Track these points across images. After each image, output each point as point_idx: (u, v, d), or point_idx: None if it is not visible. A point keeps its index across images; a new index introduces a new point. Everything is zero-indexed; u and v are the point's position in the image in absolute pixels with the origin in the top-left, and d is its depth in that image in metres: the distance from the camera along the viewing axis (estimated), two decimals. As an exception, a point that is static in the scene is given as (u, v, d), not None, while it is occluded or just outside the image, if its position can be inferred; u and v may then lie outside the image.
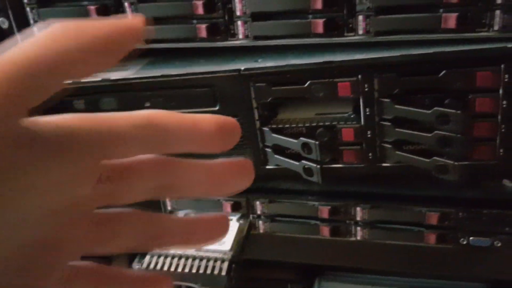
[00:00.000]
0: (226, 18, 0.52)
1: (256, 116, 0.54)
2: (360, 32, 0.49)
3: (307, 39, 0.50)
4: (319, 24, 0.49)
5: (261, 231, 0.63)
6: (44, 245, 0.22)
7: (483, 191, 0.55)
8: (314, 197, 0.60)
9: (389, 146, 0.51)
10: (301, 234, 0.62)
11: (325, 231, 0.60)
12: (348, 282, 0.69)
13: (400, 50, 0.48)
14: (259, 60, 0.54)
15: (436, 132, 0.48)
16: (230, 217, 0.63)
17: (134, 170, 0.23)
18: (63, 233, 0.23)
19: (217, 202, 0.63)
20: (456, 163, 0.48)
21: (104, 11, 0.54)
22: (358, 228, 0.60)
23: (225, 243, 0.59)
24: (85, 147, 0.21)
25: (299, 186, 0.60)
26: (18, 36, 0.22)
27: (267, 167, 0.57)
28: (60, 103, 0.58)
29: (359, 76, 0.49)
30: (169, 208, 0.65)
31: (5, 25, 0.59)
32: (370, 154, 0.53)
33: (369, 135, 0.52)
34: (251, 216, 0.63)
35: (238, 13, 0.51)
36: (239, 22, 0.52)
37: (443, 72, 0.47)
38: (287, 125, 0.54)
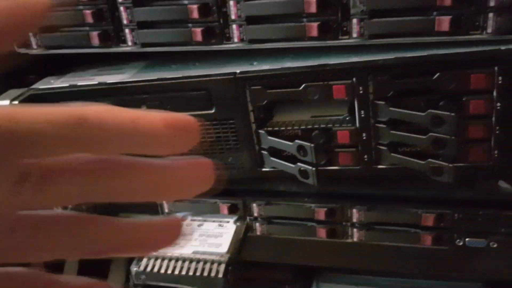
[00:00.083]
0: (221, 21, 0.52)
1: (252, 119, 0.55)
2: (354, 35, 0.49)
3: (302, 42, 0.51)
4: (313, 28, 0.49)
5: (258, 233, 0.63)
6: None
7: (478, 192, 0.56)
8: (310, 199, 0.60)
9: (384, 148, 0.52)
10: (298, 236, 0.62)
11: (322, 232, 0.60)
12: (346, 283, 0.70)
13: (394, 52, 0.49)
14: (254, 64, 0.54)
15: (430, 134, 0.48)
16: (227, 219, 0.63)
17: (64, 170, 0.21)
18: None
19: (214, 204, 0.63)
20: (450, 165, 0.49)
21: (99, 16, 0.55)
22: (355, 230, 0.60)
23: (222, 246, 0.59)
24: None
25: (295, 188, 0.60)
26: None
27: (264, 169, 0.57)
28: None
29: (354, 79, 0.49)
30: (166, 210, 0.66)
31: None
32: (365, 156, 0.53)
33: (364, 137, 0.52)
34: (248, 218, 0.63)
35: (233, 17, 0.52)
36: (234, 26, 0.52)
37: (437, 74, 0.47)
38: (282, 128, 0.54)
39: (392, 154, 0.51)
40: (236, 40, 0.53)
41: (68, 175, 0.21)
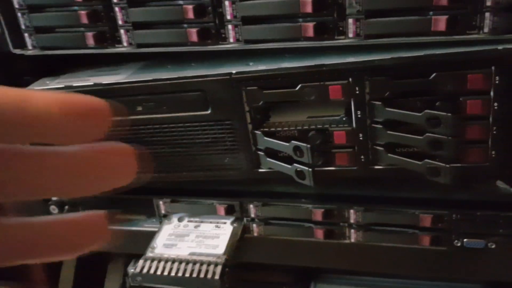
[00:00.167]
0: (217, 22, 0.52)
1: (248, 120, 0.54)
2: (351, 35, 0.49)
3: (298, 43, 0.50)
4: (309, 28, 0.49)
5: (255, 234, 0.63)
6: None
7: (476, 193, 0.55)
8: (307, 199, 0.60)
9: (381, 148, 0.51)
10: (295, 237, 0.62)
11: (319, 233, 0.60)
12: (344, 284, 0.69)
13: (391, 53, 0.48)
14: (250, 64, 0.54)
15: (427, 134, 0.48)
16: (224, 220, 0.63)
17: None
18: None
19: (211, 206, 0.63)
20: (447, 165, 0.48)
21: (94, 16, 0.54)
22: (352, 231, 0.59)
23: (219, 247, 0.59)
24: None
25: (292, 189, 0.60)
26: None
27: (260, 170, 0.57)
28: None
29: (350, 79, 0.49)
30: (162, 211, 0.65)
31: (-3, 31, 0.59)
32: (362, 157, 0.53)
33: (361, 138, 0.52)
34: (245, 219, 0.63)
35: (228, 17, 0.51)
36: (230, 26, 0.52)
37: (434, 74, 0.47)
38: (279, 128, 0.54)
39: (389, 154, 0.51)
40: (232, 40, 0.52)
41: None
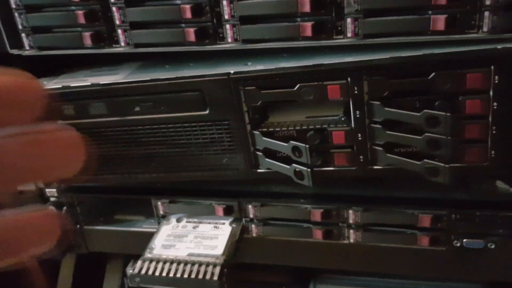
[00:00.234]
0: (215, 21, 0.52)
1: (247, 120, 0.54)
2: (349, 34, 0.49)
3: (296, 42, 0.50)
4: (307, 27, 0.48)
5: (254, 234, 0.63)
6: None
7: (475, 193, 0.55)
8: (306, 200, 0.60)
9: (379, 148, 0.51)
10: (294, 237, 0.61)
11: (318, 234, 0.60)
12: (343, 284, 0.69)
13: (389, 52, 0.48)
14: (248, 64, 0.54)
15: (426, 134, 0.48)
16: (223, 221, 0.63)
17: None
18: None
19: (209, 206, 0.62)
20: (446, 165, 0.48)
21: (91, 16, 0.54)
22: (351, 231, 0.59)
23: (218, 247, 0.59)
24: None
25: (291, 189, 0.60)
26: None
27: (259, 170, 0.57)
28: (49, 108, 0.58)
29: (349, 79, 0.49)
30: (161, 212, 0.65)
31: (-6, 30, 0.58)
32: (361, 157, 0.52)
33: (359, 138, 0.51)
34: (243, 219, 0.62)
35: (226, 17, 0.51)
36: (228, 26, 0.51)
37: (433, 74, 0.46)
38: (277, 129, 0.54)
39: (388, 154, 0.51)
40: (229, 40, 0.52)
41: None
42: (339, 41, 0.49)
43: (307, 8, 0.47)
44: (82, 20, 0.54)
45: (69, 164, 0.19)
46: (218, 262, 0.56)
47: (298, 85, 0.50)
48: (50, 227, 0.19)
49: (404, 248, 0.58)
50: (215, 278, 0.55)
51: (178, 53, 0.55)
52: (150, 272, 0.56)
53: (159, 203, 0.65)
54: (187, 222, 0.64)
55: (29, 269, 0.81)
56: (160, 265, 0.57)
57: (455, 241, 0.56)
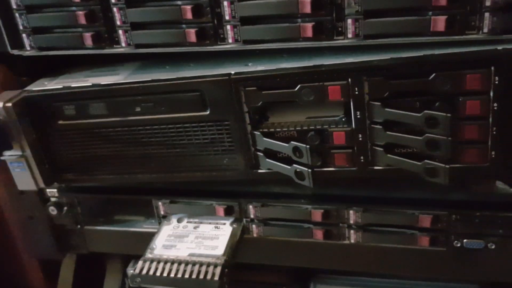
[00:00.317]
0: (215, 22, 0.52)
1: (247, 120, 0.54)
2: (349, 35, 0.49)
3: (297, 43, 0.50)
4: (308, 28, 0.49)
5: (255, 235, 0.63)
6: None
7: (476, 194, 0.55)
8: (306, 200, 0.60)
9: (380, 149, 0.51)
10: (294, 237, 0.61)
11: (318, 234, 0.60)
12: (343, 285, 0.69)
13: (390, 53, 0.48)
14: (249, 64, 0.54)
15: (426, 135, 0.48)
16: (224, 221, 0.63)
17: None
18: None
19: (210, 206, 0.63)
20: (446, 166, 0.48)
21: (92, 17, 0.54)
22: (351, 231, 0.59)
23: (218, 248, 0.59)
24: None
25: (291, 189, 0.60)
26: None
27: (259, 171, 0.57)
28: (50, 109, 0.59)
29: (349, 80, 0.49)
30: (162, 213, 0.65)
31: (-5, 31, 0.58)
32: (361, 157, 0.52)
33: (360, 138, 0.51)
34: (244, 220, 0.62)
35: (227, 17, 0.51)
36: (228, 26, 0.52)
37: (433, 75, 0.46)
38: (278, 129, 0.54)
39: (388, 155, 0.51)
40: (230, 41, 0.52)
41: None
42: (340, 42, 0.49)
43: (307, 9, 0.48)
44: (82, 20, 0.54)
45: None
46: (219, 262, 0.56)
47: (298, 86, 0.50)
48: None
49: (404, 249, 0.58)
50: (216, 278, 0.55)
51: (179, 54, 0.55)
52: (151, 272, 0.56)
53: (159, 203, 0.65)
54: (187, 222, 0.64)
55: (29, 269, 0.82)
56: (161, 265, 0.57)
57: (455, 241, 0.56)
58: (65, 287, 0.80)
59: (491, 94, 0.46)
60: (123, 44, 0.55)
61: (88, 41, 0.55)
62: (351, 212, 0.58)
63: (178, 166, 0.59)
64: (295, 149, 0.53)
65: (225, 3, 0.50)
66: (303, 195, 0.60)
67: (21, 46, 0.59)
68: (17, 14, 0.57)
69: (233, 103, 0.53)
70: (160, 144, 0.58)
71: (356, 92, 0.49)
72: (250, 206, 0.61)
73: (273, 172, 0.56)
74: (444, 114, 0.46)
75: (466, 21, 0.45)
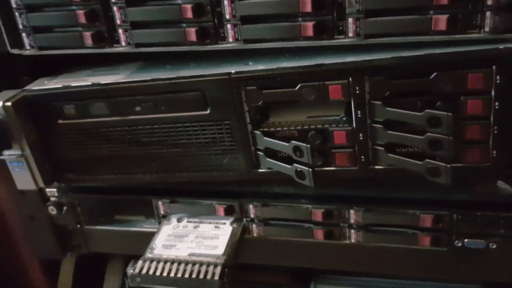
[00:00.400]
0: (216, 21, 0.51)
1: (248, 120, 0.54)
2: (350, 34, 0.48)
3: (297, 42, 0.50)
4: (309, 27, 0.48)
5: (255, 234, 0.63)
6: None
7: (477, 193, 0.55)
8: (307, 200, 0.59)
9: (381, 148, 0.51)
10: (295, 237, 0.61)
11: (319, 234, 0.60)
12: (344, 285, 0.69)
13: (391, 52, 0.48)
14: (249, 64, 0.54)
15: (427, 134, 0.47)
16: (224, 221, 0.62)
17: None
18: None
19: (210, 206, 0.62)
20: (448, 165, 0.48)
21: (92, 16, 0.54)
22: (352, 231, 0.59)
23: (218, 247, 0.59)
24: None
25: (292, 189, 0.60)
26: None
27: (260, 170, 0.57)
28: (50, 108, 0.59)
29: (350, 79, 0.49)
30: (162, 212, 0.65)
31: (-5, 30, 0.58)
32: (362, 157, 0.52)
33: (361, 138, 0.51)
34: (244, 219, 0.62)
35: (227, 17, 0.51)
36: (229, 26, 0.51)
37: (434, 74, 0.46)
38: (278, 128, 0.54)
39: (389, 154, 0.51)
40: (231, 40, 0.52)
41: None
42: (341, 41, 0.49)
43: (308, 8, 0.47)
44: (82, 19, 0.54)
45: None
46: (219, 262, 0.56)
47: (299, 85, 0.50)
48: None
49: (405, 248, 0.58)
50: (216, 278, 0.54)
51: (179, 53, 0.55)
52: (151, 272, 0.56)
53: (159, 203, 0.65)
54: (187, 222, 0.64)
55: (29, 269, 0.81)
56: (161, 265, 0.57)
57: (456, 241, 0.56)
58: (65, 287, 0.80)
59: (493, 93, 0.46)
60: (123, 44, 0.55)
61: (88, 41, 0.55)
62: (351, 212, 0.58)
63: (178, 166, 0.59)
64: (296, 149, 0.52)
65: (226, 2, 0.50)
66: (303, 195, 0.60)
67: (21, 46, 0.59)
68: (17, 13, 0.57)
69: (233, 103, 0.53)
70: (160, 143, 0.57)
71: (357, 92, 0.49)
72: (251, 206, 0.61)
73: (274, 172, 0.56)
74: (446, 113, 0.46)
75: (468, 20, 0.45)
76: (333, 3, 0.48)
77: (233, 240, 0.60)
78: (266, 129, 0.54)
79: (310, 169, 0.52)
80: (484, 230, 0.55)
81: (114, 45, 0.56)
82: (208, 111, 0.54)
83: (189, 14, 0.51)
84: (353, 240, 0.60)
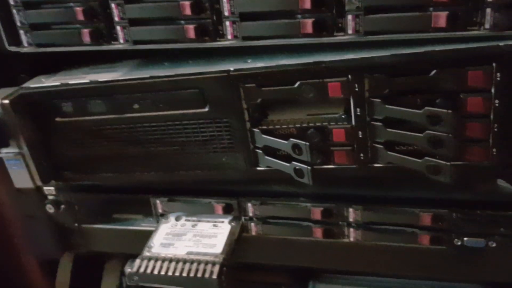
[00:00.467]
0: (214, 18, 0.51)
1: (247, 117, 0.54)
2: (350, 31, 0.48)
3: (297, 39, 0.50)
4: (308, 24, 0.48)
5: (253, 233, 0.63)
6: None
7: (477, 192, 0.55)
8: (306, 198, 0.59)
9: (380, 146, 0.51)
10: (294, 236, 0.61)
11: (318, 232, 0.59)
12: (342, 284, 0.69)
13: (390, 49, 0.48)
14: (248, 61, 0.54)
15: (427, 132, 0.47)
16: (222, 219, 0.62)
17: None
18: None
19: (208, 204, 0.62)
20: (448, 163, 0.48)
21: (90, 13, 0.54)
22: (351, 230, 0.59)
23: (217, 246, 0.58)
24: None
25: (291, 187, 0.59)
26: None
27: (258, 168, 0.57)
28: (48, 106, 0.58)
29: (350, 77, 0.48)
30: (160, 211, 0.65)
31: (-8, 27, 0.58)
32: (361, 155, 0.52)
33: (360, 136, 0.51)
34: (243, 218, 0.62)
35: (226, 14, 0.51)
36: (228, 23, 0.51)
37: (434, 71, 0.46)
38: (277, 126, 0.54)
39: (389, 152, 0.51)
40: (229, 37, 0.52)
41: None
42: (340, 38, 0.49)
43: (307, 4, 0.47)
44: (80, 17, 0.54)
45: None
46: (217, 260, 0.56)
47: (298, 83, 0.50)
48: None
49: (404, 247, 0.58)
50: (214, 276, 0.54)
51: (177, 50, 0.54)
52: (148, 271, 0.56)
53: (157, 201, 0.64)
54: (186, 220, 0.63)
55: (27, 267, 0.81)
56: (159, 263, 0.57)
57: (456, 240, 0.56)
58: (63, 285, 0.79)
59: (493, 90, 0.46)
60: (121, 41, 0.55)
61: (86, 38, 0.55)
62: (351, 210, 0.58)
63: (177, 164, 0.58)
64: (295, 147, 0.52)
65: (224, -1, 0.50)
66: (302, 193, 0.59)
67: (19, 43, 0.59)
68: (14, 11, 0.57)
69: (232, 100, 0.53)
70: (158, 141, 0.57)
71: (356, 89, 0.49)
72: (249, 204, 0.61)
73: (273, 170, 0.56)
74: (446, 111, 0.45)
75: (468, 17, 0.45)
76: (332, 0, 0.47)
77: (232, 238, 0.60)
78: (265, 127, 0.54)
79: (309, 167, 0.52)
80: (484, 229, 0.54)
81: (112, 42, 0.56)
82: (206, 109, 0.54)
83: (188, 11, 0.51)
84: (352, 239, 0.59)
